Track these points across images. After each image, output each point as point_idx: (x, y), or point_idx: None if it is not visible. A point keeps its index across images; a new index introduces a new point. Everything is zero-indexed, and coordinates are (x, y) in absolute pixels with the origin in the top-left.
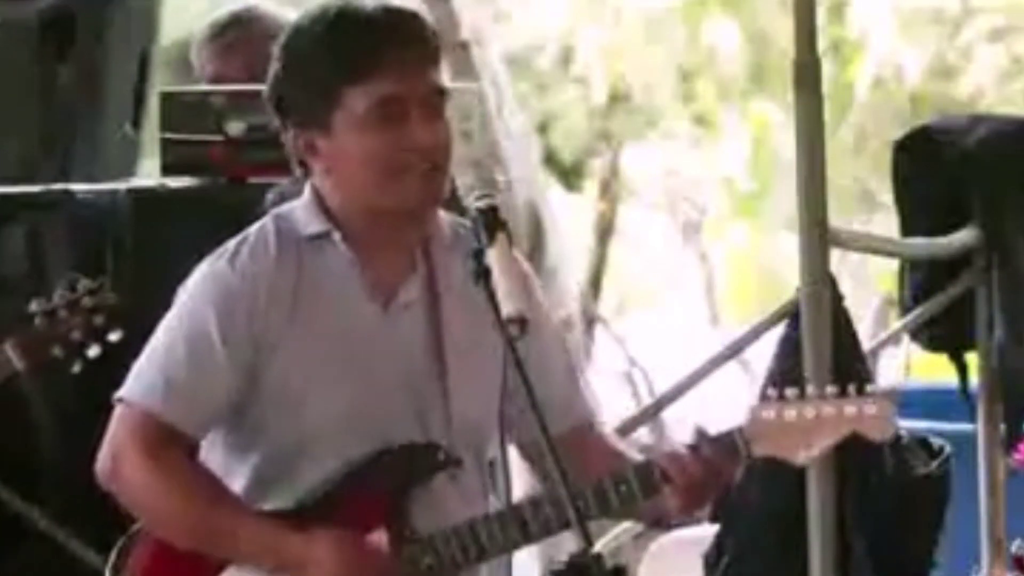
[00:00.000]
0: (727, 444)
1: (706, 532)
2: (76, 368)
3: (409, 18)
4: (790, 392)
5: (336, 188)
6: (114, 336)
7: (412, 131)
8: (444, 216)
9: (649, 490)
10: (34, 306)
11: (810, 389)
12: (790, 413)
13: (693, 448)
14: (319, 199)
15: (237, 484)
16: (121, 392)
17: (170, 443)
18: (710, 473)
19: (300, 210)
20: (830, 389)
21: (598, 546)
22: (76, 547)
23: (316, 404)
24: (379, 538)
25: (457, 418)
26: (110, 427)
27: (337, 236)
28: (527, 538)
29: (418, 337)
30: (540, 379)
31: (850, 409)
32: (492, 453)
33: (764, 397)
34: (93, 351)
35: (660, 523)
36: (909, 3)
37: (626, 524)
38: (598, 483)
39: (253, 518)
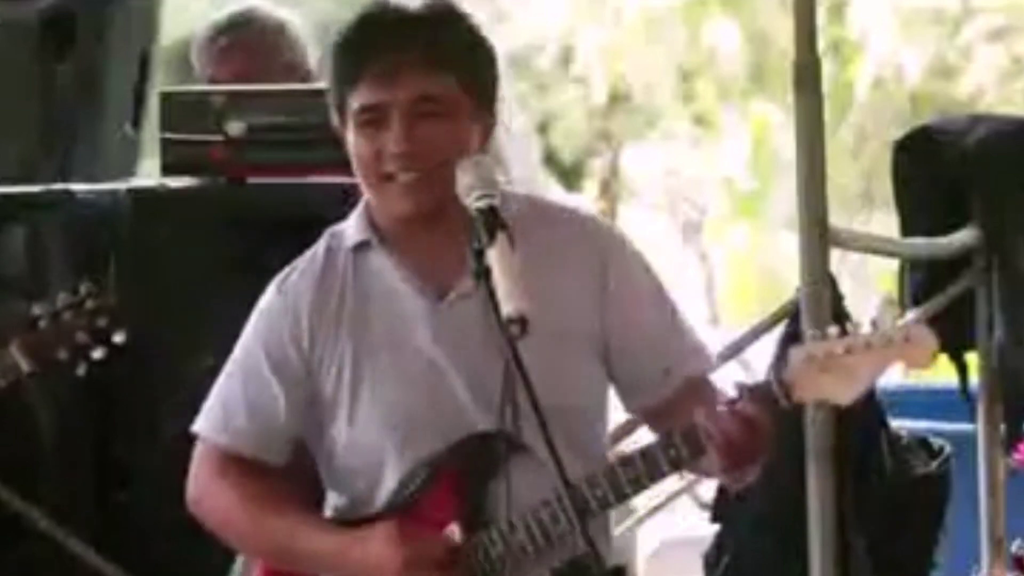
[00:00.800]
0: (764, 395)
1: (706, 532)
2: (81, 370)
3: (416, 21)
4: (831, 330)
5: (364, 191)
6: (118, 338)
7: (390, 139)
8: (517, 200)
9: (696, 451)
10: (37, 309)
11: (849, 325)
12: (830, 349)
13: (731, 404)
14: (367, 206)
15: (336, 502)
16: (195, 426)
17: (246, 469)
18: (749, 429)
19: (351, 221)
20: (869, 322)
21: None
22: (76, 547)
23: (369, 412)
24: (452, 531)
25: (525, 400)
26: (193, 460)
27: (375, 242)
28: (590, 516)
29: (479, 326)
30: (637, 344)
31: (891, 339)
32: (589, 432)
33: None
34: (98, 353)
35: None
36: (909, 3)
37: (626, 524)
38: (647, 448)
39: (317, 530)
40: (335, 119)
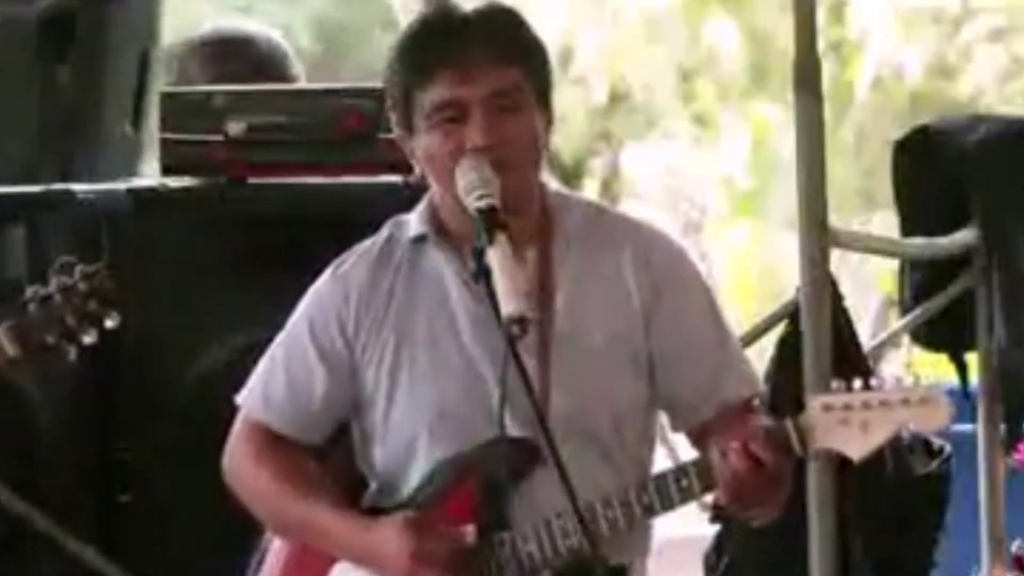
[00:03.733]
0: (778, 438)
1: (706, 532)
2: (72, 355)
3: (480, 19)
4: (856, 384)
5: (433, 189)
6: (110, 322)
7: (470, 133)
8: (582, 208)
9: (707, 484)
10: (29, 292)
11: (873, 381)
12: (849, 401)
13: (743, 443)
14: (431, 202)
15: (371, 488)
16: (238, 398)
17: (279, 446)
18: (758, 469)
19: (414, 214)
20: (888, 379)
21: None
22: (76, 548)
23: (405, 404)
24: (467, 532)
25: (556, 410)
26: (233, 430)
27: (432, 237)
28: (599, 535)
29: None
30: (680, 364)
31: (908, 399)
32: (627, 445)
33: (824, 388)
34: (88, 338)
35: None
36: (909, 3)
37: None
38: (661, 477)
39: (331, 513)
40: (396, 122)
